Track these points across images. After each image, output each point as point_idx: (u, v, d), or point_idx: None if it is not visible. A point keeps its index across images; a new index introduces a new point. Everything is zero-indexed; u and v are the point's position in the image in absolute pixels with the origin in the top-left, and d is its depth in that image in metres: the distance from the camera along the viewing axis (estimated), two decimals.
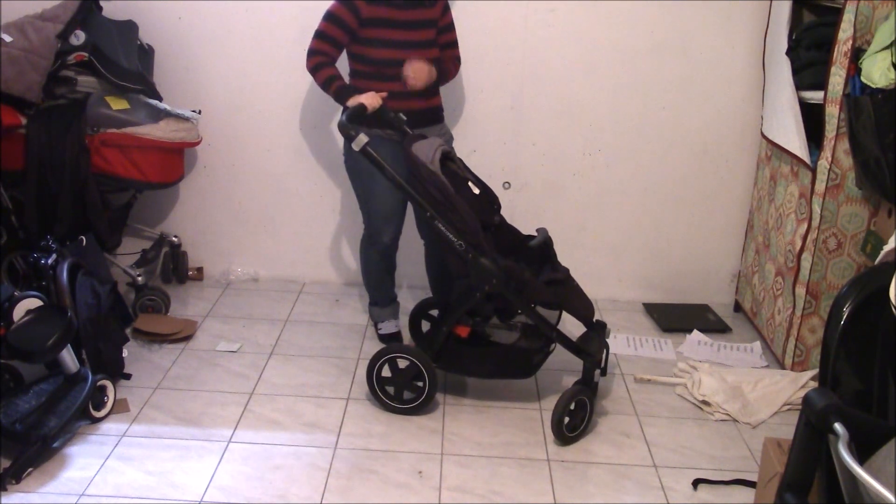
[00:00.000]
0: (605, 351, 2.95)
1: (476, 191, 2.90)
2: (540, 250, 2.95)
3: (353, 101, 2.91)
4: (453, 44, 3.23)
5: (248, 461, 2.65)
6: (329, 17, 3.02)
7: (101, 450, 2.66)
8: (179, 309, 3.68)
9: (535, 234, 3.00)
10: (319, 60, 3.02)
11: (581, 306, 2.92)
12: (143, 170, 3.37)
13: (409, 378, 2.89)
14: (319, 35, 3.03)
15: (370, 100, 2.91)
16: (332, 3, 3.03)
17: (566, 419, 2.77)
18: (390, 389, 2.93)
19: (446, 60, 3.19)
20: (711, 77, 3.65)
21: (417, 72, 3.00)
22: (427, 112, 3.15)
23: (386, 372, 2.93)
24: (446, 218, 2.72)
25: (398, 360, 2.90)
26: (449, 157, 2.90)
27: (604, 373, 2.97)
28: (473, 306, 2.84)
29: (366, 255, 3.38)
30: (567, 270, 2.95)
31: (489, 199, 2.95)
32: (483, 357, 2.94)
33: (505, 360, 2.92)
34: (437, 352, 2.90)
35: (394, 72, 3.03)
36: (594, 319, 2.99)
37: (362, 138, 2.71)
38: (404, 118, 3.03)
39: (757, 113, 3.65)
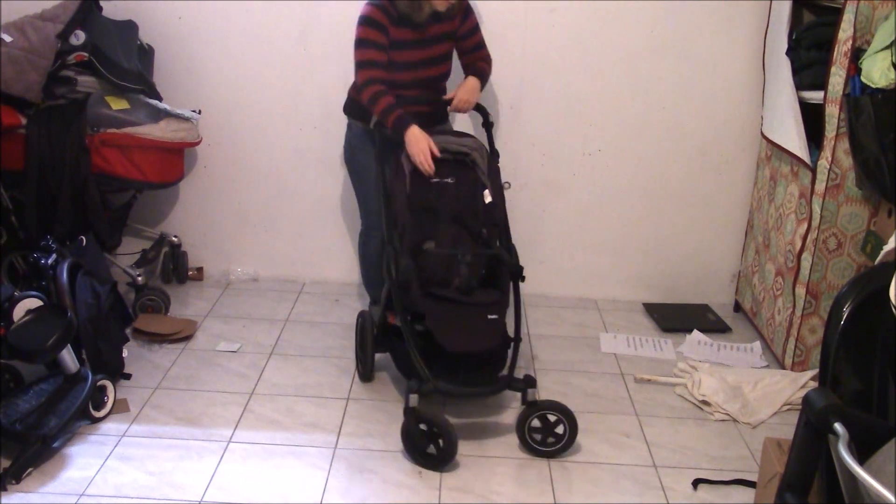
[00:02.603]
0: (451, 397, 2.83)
1: (488, 199, 2.93)
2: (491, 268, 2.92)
3: (409, 138, 2.88)
4: (480, 45, 3.21)
5: (248, 461, 2.65)
6: (363, 43, 2.95)
7: (101, 450, 2.66)
8: (179, 309, 3.68)
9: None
10: (378, 89, 2.93)
11: (457, 338, 2.70)
12: (143, 170, 3.37)
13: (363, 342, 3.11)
14: (365, 65, 2.95)
15: (419, 156, 2.86)
16: (359, 30, 2.95)
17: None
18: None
19: (478, 61, 3.18)
20: (711, 77, 3.64)
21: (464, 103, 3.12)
22: (434, 116, 3.17)
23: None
24: (387, 204, 2.91)
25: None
26: (472, 160, 2.97)
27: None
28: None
29: (364, 251, 3.39)
30: (497, 299, 2.83)
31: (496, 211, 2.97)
32: (396, 351, 2.95)
33: (403, 360, 2.87)
34: (381, 332, 3.03)
35: (403, 87, 3.03)
36: (524, 374, 2.78)
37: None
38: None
39: (757, 113, 3.65)
